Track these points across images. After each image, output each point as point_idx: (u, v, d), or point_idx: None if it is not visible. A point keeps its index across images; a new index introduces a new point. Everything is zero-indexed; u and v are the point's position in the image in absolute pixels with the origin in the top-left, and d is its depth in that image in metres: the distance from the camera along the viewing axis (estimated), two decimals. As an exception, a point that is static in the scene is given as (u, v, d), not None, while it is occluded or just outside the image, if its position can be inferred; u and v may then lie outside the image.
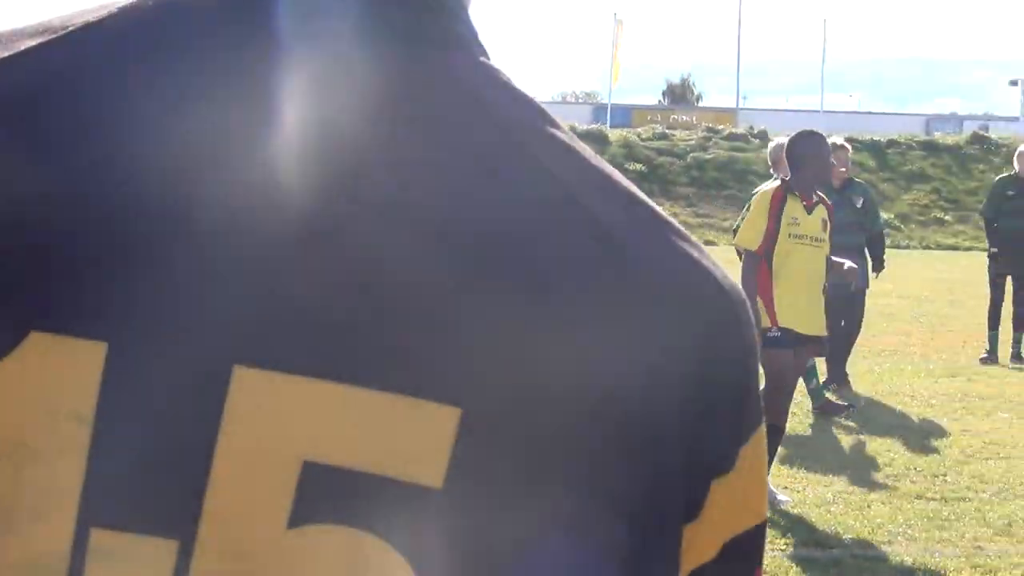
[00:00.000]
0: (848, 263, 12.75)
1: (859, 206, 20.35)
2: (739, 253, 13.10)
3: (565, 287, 1.18)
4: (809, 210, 12.32)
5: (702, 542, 1.26)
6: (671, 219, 1.26)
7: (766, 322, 11.29)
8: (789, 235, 12.22)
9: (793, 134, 12.74)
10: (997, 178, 24.30)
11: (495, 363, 1.19)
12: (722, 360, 1.25)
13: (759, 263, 12.03)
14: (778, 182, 12.84)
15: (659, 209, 1.27)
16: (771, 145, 16.87)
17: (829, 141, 14.32)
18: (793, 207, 12.18)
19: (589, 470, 1.17)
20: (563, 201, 1.21)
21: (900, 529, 11.54)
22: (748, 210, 12.94)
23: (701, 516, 1.26)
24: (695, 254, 1.26)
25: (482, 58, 1.29)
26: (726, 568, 1.31)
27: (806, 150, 11.96)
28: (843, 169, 19.17)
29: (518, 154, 1.23)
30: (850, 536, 11.30)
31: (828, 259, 12.08)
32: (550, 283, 1.17)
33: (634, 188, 1.27)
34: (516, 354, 1.19)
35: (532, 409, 1.19)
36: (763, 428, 1.31)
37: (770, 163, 16.45)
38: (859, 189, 20.99)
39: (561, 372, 1.17)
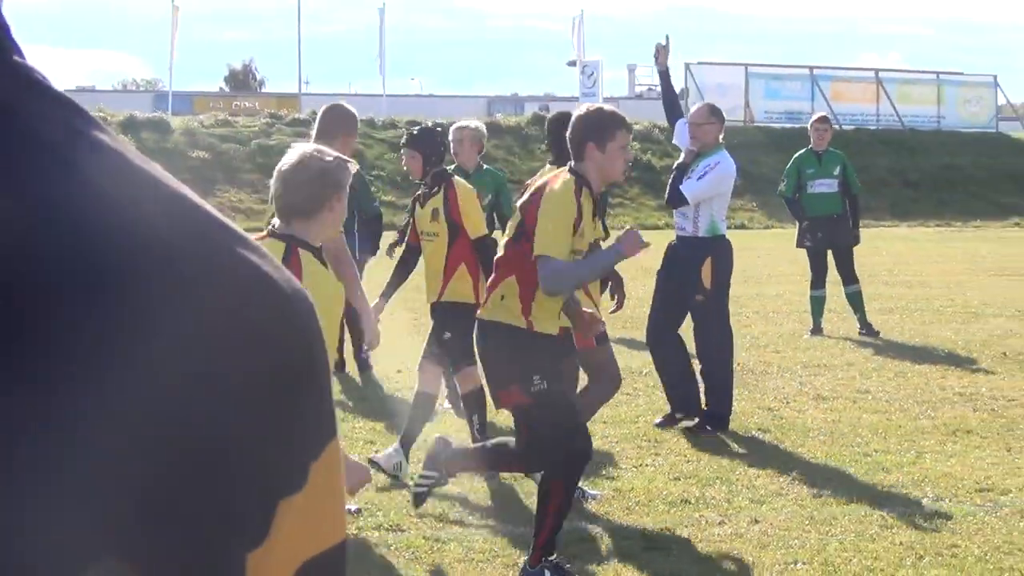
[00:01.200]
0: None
1: (835, 174, 22.05)
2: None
3: (95, 299, 1.10)
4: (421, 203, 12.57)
5: (271, 568, 1.22)
6: (229, 223, 1.22)
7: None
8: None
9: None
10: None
11: None
12: (283, 372, 1.21)
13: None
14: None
15: (214, 212, 1.21)
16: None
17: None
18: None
19: (130, 491, 1.10)
20: (98, 208, 1.13)
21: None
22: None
23: (268, 541, 1.21)
24: (254, 258, 1.21)
25: (16, 57, 1.20)
26: None
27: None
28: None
29: (48, 161, 1.14)
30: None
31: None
32: (75, 296, 1.09)
33: (185, 190, 1.21)
34: None
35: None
36: (336, 441, 1.28)
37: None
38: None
39: (99, 388, 1.09)
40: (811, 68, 70.09)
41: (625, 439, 13.77)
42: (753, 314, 23.46)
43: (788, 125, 57.90)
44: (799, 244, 22.53)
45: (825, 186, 22.19)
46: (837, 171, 22.21)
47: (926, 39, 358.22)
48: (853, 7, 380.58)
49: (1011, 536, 10.39)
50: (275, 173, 7.59)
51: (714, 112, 14.91)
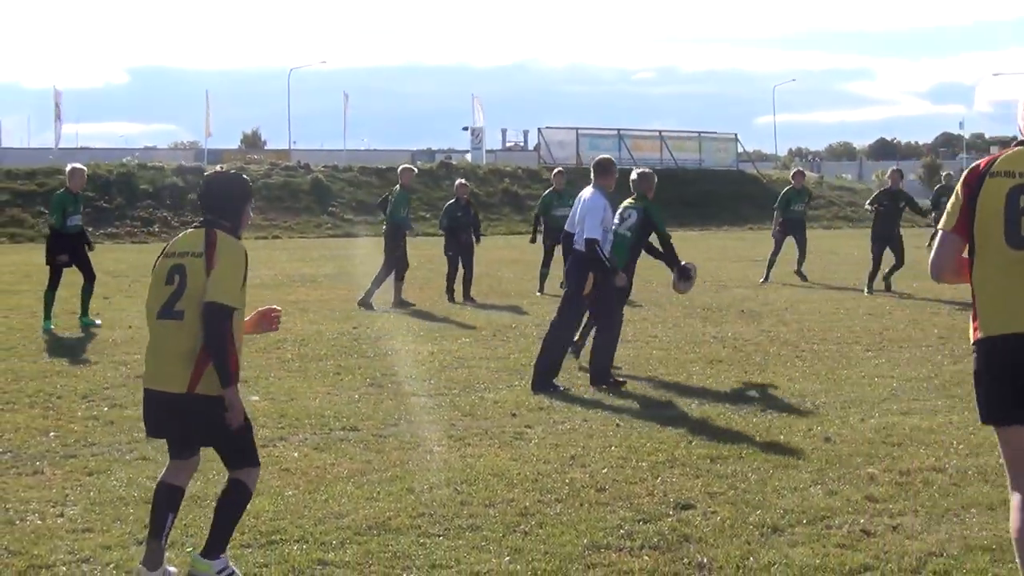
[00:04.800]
0: None
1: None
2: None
3: None
4: None
5: None
6: None
7: None
8: None
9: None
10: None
11: None
12: None
13: None
14: None
15: None
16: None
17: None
18: None
19: None
20: None
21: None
22: None
23: None
24: None
25: None
26: None
27: None
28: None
29: None
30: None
31: None
32: None
33: None
34: None
35: None
36: None
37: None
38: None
39: None
40: (619, 130, 70.71)
41: (502, 369, 13.69)
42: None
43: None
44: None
45: (565, 209, 21.25)
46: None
47: (693, 110, 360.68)
48: (642, 87, 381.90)
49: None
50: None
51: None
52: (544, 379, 12.42)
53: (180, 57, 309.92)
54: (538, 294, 22.27)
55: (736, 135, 76.77)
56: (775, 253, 25.25)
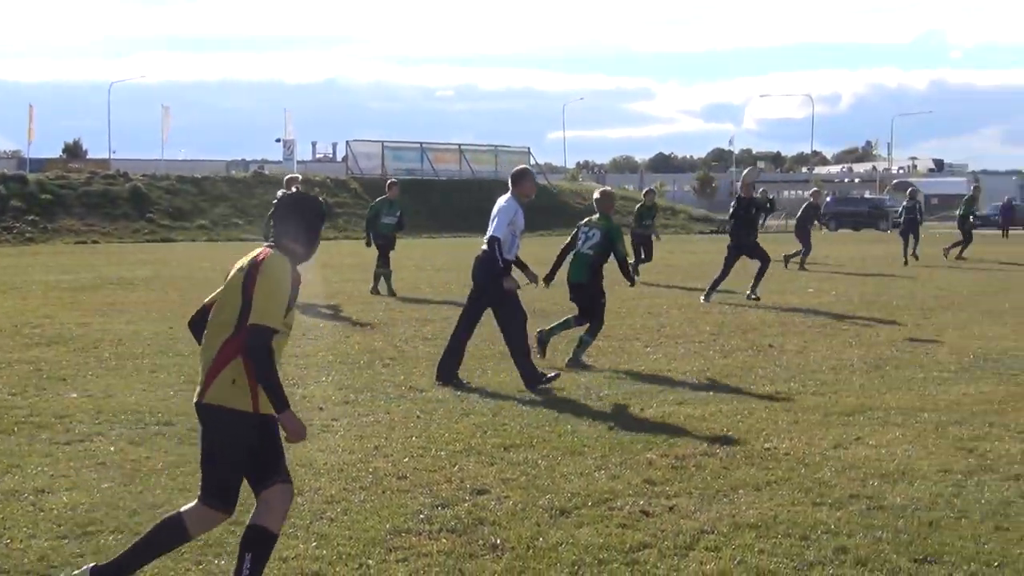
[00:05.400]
0: None
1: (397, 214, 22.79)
2: None
3: None
4: None
5: None
6: None
7: None
8: None
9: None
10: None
11: None
12: None
13: None
14: None
15: None
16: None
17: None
18: None
19: None
20: None
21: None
22: None
23: None
24: None
25: None
26: None
27: None
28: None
29: None
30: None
31: None
32: None
33: None
34: None
35: None
36: None
37: None
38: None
39: None
40: (421, 144, 70.88)
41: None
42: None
43: (407, 178, 57.38)
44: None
45: (392, 217, 22.92)
46: (399, 212, 22.96)
47: (490, 126, 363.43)
48: (443, 103, 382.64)
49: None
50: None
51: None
52: (448, 371, 12.37)
53: (3, 69, 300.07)
54: (371, 293, 22.36)
55: (529, 149, 78.22)
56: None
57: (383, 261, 22.86)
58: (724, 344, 15.11)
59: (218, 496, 5.55)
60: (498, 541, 6.75)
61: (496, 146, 75.10)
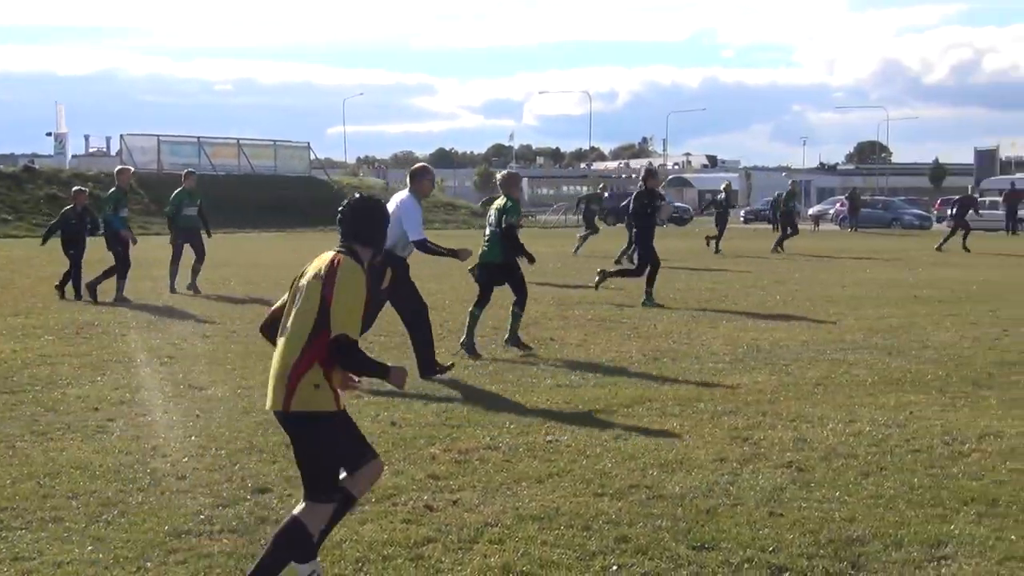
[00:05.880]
0: None
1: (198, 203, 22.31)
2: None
3: None
4: None
5: None
6: None
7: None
8: None
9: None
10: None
11: None
12: None
13: None
14: None
15: None
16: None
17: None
18: None
19: None
20: None
21: None
22: None
23: None
24: None
25: None
26: None
27: None
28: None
29: None
30: None
31: None
32: None
33: None
34: None
35: None
36: None
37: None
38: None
39: None
40: (199, 138, 69.60)
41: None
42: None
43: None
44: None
45: (194, 208, 22.72)
46: (199, 201, 22.82)
47: (269, 120, 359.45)
48: (222, 98, 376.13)
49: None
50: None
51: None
52: (428, 365, 12.44)
53: None
54: (170, 293, 21.72)
55: (309, 144, 77.36)
56: None
57: (178, 257, 22.46)
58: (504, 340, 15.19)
59: (325, 491, 5.66)
60: (281, 540, 6.65)
61: (275, 141, 74.26)
